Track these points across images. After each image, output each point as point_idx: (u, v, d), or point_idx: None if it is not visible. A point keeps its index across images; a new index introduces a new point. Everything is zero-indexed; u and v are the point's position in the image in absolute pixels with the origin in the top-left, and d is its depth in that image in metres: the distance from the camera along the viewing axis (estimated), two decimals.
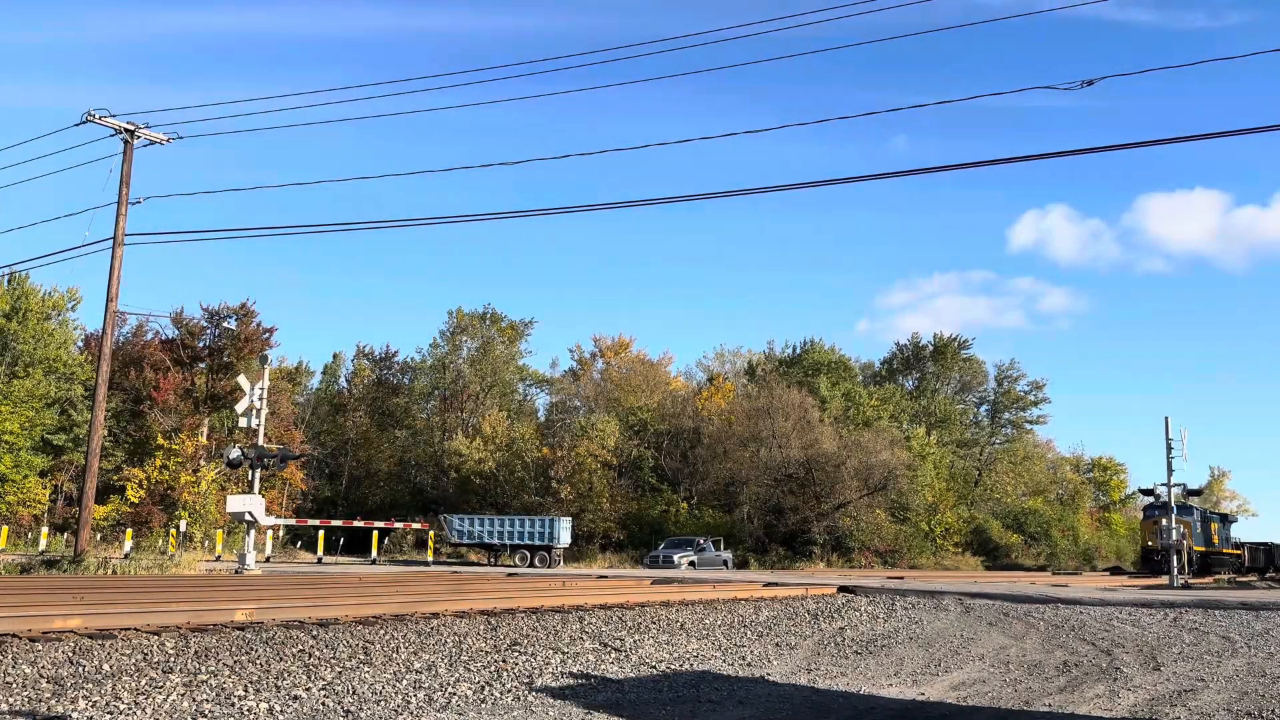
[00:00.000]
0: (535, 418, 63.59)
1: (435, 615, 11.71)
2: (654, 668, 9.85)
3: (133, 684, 7.28)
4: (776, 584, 19.51)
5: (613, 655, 10.28)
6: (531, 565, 39.27)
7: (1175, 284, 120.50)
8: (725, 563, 42.19)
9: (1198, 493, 40.90)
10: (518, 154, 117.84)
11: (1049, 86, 17.19)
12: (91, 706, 6.60)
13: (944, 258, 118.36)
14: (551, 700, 7.82)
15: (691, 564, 38.82)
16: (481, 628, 10.94)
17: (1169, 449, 32.78)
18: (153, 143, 26.70)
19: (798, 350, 66.71)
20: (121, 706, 6.64)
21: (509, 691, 8.10)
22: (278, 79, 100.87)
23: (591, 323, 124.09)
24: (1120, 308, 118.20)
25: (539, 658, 9.68)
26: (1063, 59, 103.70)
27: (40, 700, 6.70)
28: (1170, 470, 32.80)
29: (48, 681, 7.22)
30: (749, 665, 10.40)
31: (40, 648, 8.25)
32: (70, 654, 8.07)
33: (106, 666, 7.77)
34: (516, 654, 9.75)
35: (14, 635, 8.66)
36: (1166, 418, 32.88)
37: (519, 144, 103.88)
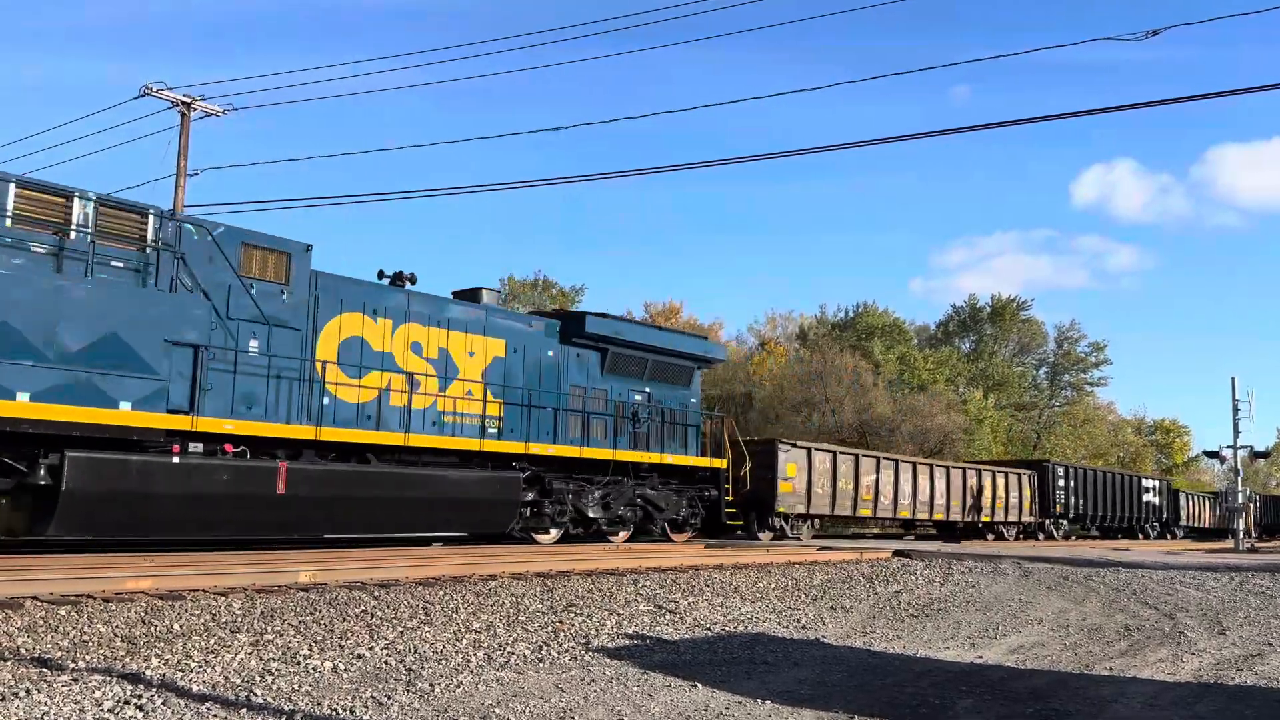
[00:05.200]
0: None
1: (493, 577, 11.89)
2: (709, 629, 9.91)
3: (202, 643, 7.51)
4: (830, 548, 19.47)
5: (668, 617, 10.36)
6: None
7: (1247, 239, 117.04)
8: (797, 536, 42.19)
9: (1265, 455, 40.29)
10: (570, 118, 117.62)
11: (1113, 38, 16.63)
12: (164, 664, 6.81)
13: (1004, 215, 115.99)
14: (608, 660, 7.92)
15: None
16: (538, 589, 11.09)
17: (1235, 410, 32.01)
18: (209, 114, 27.09)
19: (850, 313, 65.99)
20: (192, 665, 6.85)
21: (566, 651, 8.21)
22: (329, 48, 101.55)
23: (642, 288, 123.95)
24: (1189, 265, 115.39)
25: (595, 619, 9.78)
26: (1126, 9, 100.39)
27: (115, 658, 6.93)
28: (1237, 432, 32.05)
29: (122, 640, 7.47)
30: (804, 628, 10.41)
31: (114, 608, 8.52)
32: (142, 614, 8.34)
33: (177, 626, 8.02)
34: (573, 615, 9.87)
35: (89, 596, 8.96)
36: (1233, 378, 32.11)
37: (569, 109, 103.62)
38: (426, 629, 8.66)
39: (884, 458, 29.20)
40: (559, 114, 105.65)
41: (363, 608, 9.29)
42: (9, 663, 6.53)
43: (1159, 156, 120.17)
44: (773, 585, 13.15)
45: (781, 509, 24.36)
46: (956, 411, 52.73)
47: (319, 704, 6.07)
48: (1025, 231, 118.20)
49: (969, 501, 31.65)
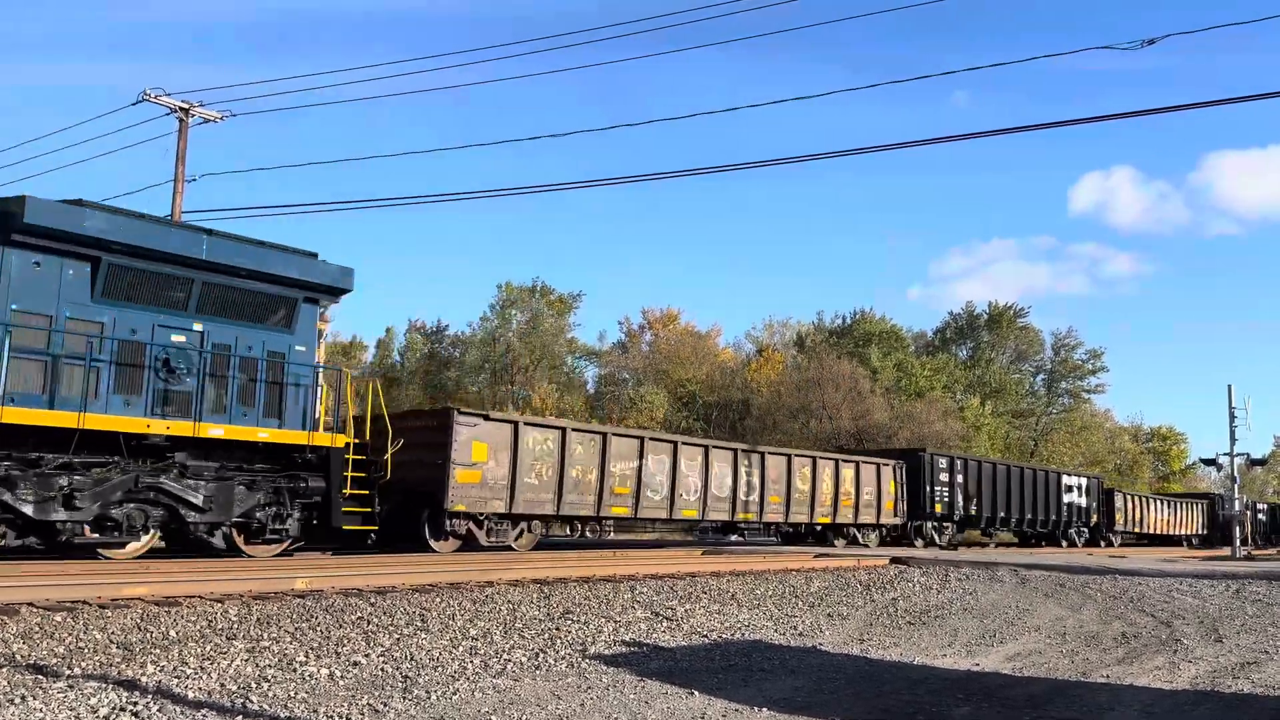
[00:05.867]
0: (584, 390, 63.90)
1: (490, 584, 11.87)
2: (706, 636, 9.90)
3: (198, 649, 7.49)
4: (827, 555, 19.47)
5: (665, 624, 10.35)
6: (583, 535, 39.55)
7: (1245, 246, 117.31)
8: (775, 536, 42.17)
9: (1262, 463, 40.01)
10: (568, 125, 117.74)
11: (1109, 46, 16.70)
12: (160, 671, 6.80)
13: (1003, 223, 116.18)
14: (605, 668, 7.90)
15: (741, 534, 38.90)
16: (535, 596, 11.07)
17: (1232, 418, 32.05)
18: (207, 120, 27.10)
19: (848, 320, 66.09)
20: (188, 671, 6.83)
21: (563, 659, 8.20)
22: (328, 55, 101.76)
23: (640, 295, 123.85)
24: (1186, 272, 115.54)
25: (592, 626, 9.77)
26: (1122, 19, 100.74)
27: (111, 665, 6.92)
28: (1233, 440, 32.09)
29: (117, 647, 7.45)
30: (801, 635, 10.40)
31: (110, 614, 8.51)
32: (138, 620, 8.32)
33: (173, 633, 8.00)
34: (569, 622, 9.85)
35: (85, 602, 8.94)
36: (1230, 385, 32.16)
37: (568, 115, 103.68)
38: (423, 636, 8.65)
39: (653, 438, 22.47)
40: (558, 121, 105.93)
41: (359, 614, 9.28)
42: (4, 669, 6.51)
43: (1157, 164, 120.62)
44: (770, 592, 13.15)
45: (458, 506, 17.76)
46: (954, 418, 52.78)
47: (315, 711, 6.06)
48: (1023, 239, 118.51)
49: (795, 497, 25.22)
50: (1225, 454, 33.03)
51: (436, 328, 66.25)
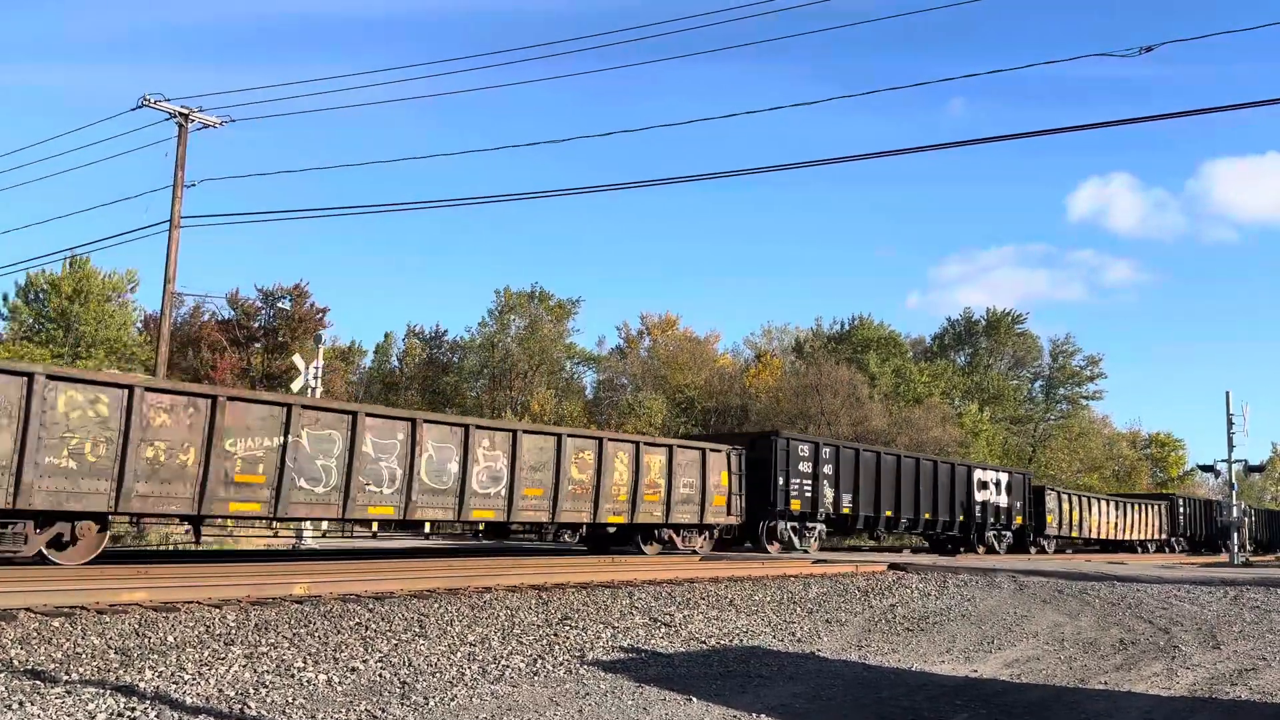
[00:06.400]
0: (583, 396, 63.89)
1: (488, 589, 11.87)
2: (704, 643, 9.89)
3: (196, 655, 7.48)
4: (826, 561, 19.47)
5: (662, 630, 10.35)
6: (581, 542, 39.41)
7: (1243, 253, 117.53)
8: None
9: (1259, 469, 39.89)
10: (565, 131, 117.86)
11: (1106, 54, 16.77)
12: (157, 677, 6.79)
13: (1001, 229, 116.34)
14: (603, 674, 7.90)
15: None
16: (533, 602, 11.07)
17: (1230, 424, 32.15)
18: (206, 126, 27.14)
19: (846, 326, 66.17)
20: (186, 677, 6.83)
21: (561, 665, 8.20)
22: (326, 60, 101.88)
23: (638, 300, 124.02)
24: (1184, 278, 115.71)
25: (590, 632, 9.77)
26: (1119, 25, 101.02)
27: (109, 670, 6.91)
28: (1231, 446, 32.18)
29: (115, 652, 7.44)
30: (799, 641, 10.40)
31: (107, 619, 8.50)
32: (136, 626, 8.31)
33: (171, 638, 7.99)
34: (568, 628, 9.85)
35: (82, 607, 8.93)
36: (1228, 392, 32.30)
37: (566, 121, 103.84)
38: (421, 642, 8.64)
39: (307, 406, 15.85)
40: (557, 127, 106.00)
41: (357, 620, 9.28)
42: (2, 675, 6.51)
43: (1155, 171, 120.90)
44: (768, 598, 13.14)
45: None
46: (952, 424, 52.79)
47: (313, 717, 6.05)
48: (1021, 245, 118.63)
49: (568, 490, 19.05)
50: (1223, 460, 33.16)
51: (435, 333, 66.26)
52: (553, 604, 11.07)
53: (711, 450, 22.65)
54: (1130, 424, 79.16)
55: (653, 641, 9.71)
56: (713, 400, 55.96)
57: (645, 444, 21.20)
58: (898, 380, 58.57)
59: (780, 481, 23.89)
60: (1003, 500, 32.37)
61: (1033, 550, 33.31)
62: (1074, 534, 36.43)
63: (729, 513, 22.71)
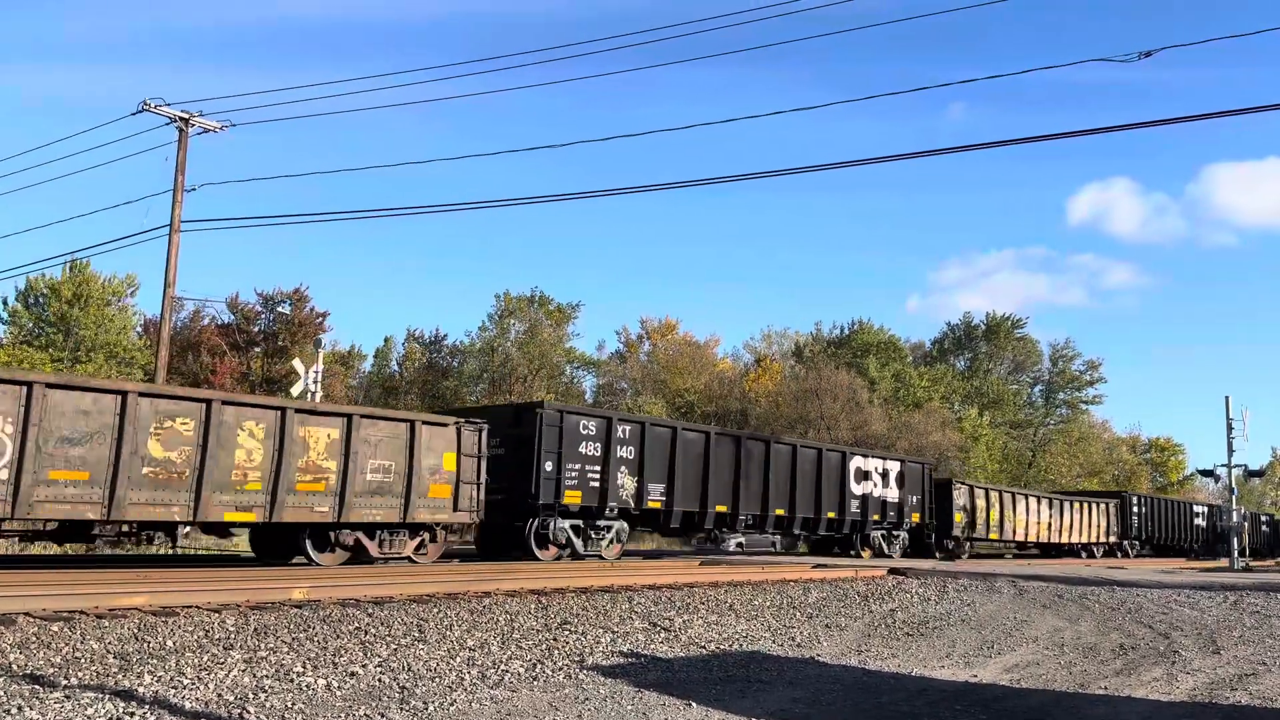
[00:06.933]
0: (583, 400, 63.91)
1: (487, 594, 11.86)
2: (704, 648, 9.89)
3: (195, 660, 7.48)
4: (825, 565, 19.46)
5: (662, 635, 10.34)
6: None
7: (1243, 257, 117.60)
8: (774, 545, 41.98)
9: (1259, 474, 39.70)
10: (565, 136, 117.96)
11: (1106, 59, 16.79)
12: (156, 681, 6.79)
13: (1001, 233, 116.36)
14: (602, 678, 7.90)
15: (740, 545, 38.47)
16: (532, 607, 11.06)
17: (1230, 429, 32.15)
18: (207, 130, 27.16)
19: (846, 331, 66.23)
20: (185, 681, 6.82)
21: (560, 669, 8.19)
22: (326, 65, 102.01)
23: (638, 304, 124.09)
24: (1184, 283, 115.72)
25: (589, 637, 9.76)
26: (1119, 31, 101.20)
27: (108, 675, 6.90)
28: (1231, 451, 32.18)
29: (114, 657, 7.44)
30: (799, 646, 10.40)
31: (107, 624, 8.49)
32: (135, 630, 8.31)
33: (170, 643, 7.99)
34: (567, 633, 9.84)
35: (81, 612, 8.92)
36: (1227, 397, 32.29)
37: (566, 126, 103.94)
38: (420, 646, 8.63)
39: None
40: (557, 132, 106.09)
41: (356, 625, 9.27)
42: (1, 679, 6.50)
43: (1155, 175, 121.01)
44: (768, 603, 13.14)
45: None
46: (952, 429, 52.80)
47: None
48: (1021, 249, 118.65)
49: (144, 472, 13.53)
50: (1223, 465, 33.14)
51: (435, 337, 66.20)
52: (552, 609, 11.06)
53: (426, 424, 16.89)
54: (1130, 428, 79.25)
55: (652, 646, 9.70)
56: (712, 405, 55.98)
57: (299, 411, 15.32)
58: (897, 385, 58.63)
59: (548, 467, 18.53)
60: (891, 494, 27.06)
61: (938, 555, 28.50)
62: (993, 535, 31.21)
63: (457, 508, 17.02)
